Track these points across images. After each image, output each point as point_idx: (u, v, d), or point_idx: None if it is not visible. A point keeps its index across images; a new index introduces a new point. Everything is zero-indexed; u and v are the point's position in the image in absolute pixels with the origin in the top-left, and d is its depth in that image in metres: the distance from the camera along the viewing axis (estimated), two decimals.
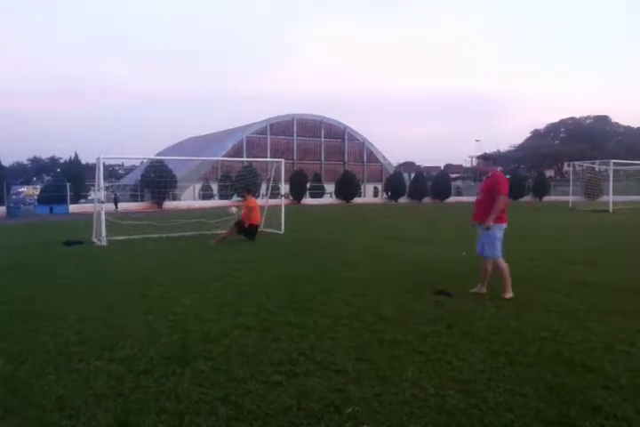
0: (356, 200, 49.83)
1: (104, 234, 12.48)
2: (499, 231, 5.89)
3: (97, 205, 13.85)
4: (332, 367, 3.63)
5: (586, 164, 34.66)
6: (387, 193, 54.42)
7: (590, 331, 4.45)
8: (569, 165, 36.31)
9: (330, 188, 51.78)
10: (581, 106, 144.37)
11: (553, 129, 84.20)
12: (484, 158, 6.46)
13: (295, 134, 61.70)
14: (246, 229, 12.65)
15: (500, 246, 5.92)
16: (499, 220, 5.84)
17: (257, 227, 13.00)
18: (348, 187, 49.20)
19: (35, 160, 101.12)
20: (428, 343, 4.16)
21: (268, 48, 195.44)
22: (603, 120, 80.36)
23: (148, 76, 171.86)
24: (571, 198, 32.28)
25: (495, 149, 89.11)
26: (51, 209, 32.85)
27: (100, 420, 2.87)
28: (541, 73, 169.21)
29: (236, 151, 56.81)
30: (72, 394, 3.21)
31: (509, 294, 5.82)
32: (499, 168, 6.35)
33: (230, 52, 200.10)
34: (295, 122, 61.68)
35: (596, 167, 34.60)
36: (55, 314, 5.27)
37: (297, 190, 46.19)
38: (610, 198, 26.98)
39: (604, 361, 3.68)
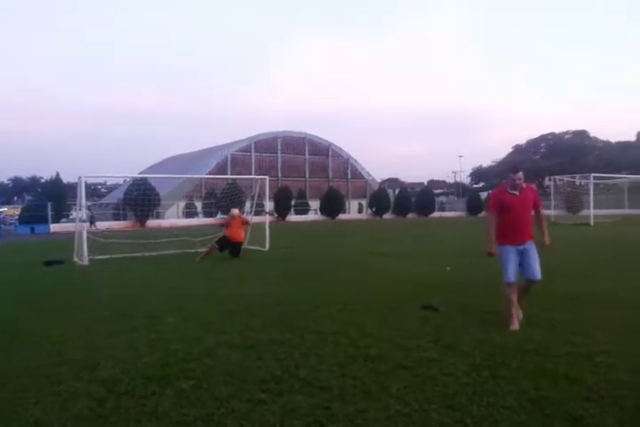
0: (341, 216, 50.00)
1: (85, 253, 12.34)
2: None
3: (78, 224, 13.73)
4: (317, 384, 3.61)
5: (566, 178, 35.16)
6: (371, 209, 54.67)
7: (573, 343, 4.48)
8: (550, 180, 36.78)
9: (314, 204, 51.91)
10: (561, 121, 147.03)
11: (534, 144, 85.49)
12: (517, 171, 5.23)
13: (279, 152, 61.97)
14: (231, 246, 12.66)
15: None
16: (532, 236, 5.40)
17: (241, 244, 13.00)
18: (332, 203, 49.40)
19: (15, 180, 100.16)
20: (413, 358, 4.15)
21: (252, 65, 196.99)
22: (581, 135, 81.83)
23: (131, 94, 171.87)
24: (552, 212, 32.63)
25: (477, 165, 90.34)
26: (32, 229, 32.47)
27: None
28: (522, 89, 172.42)
29: (221, 169, 56.80)
30: (51, 417, 3.15)
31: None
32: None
33: (214, 69, 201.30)
34: (279, 139, 62.00)
35: (577, 181, 35.14)
36: (36, 335, 5.18)
37: (281, 207, 46.21)
38: (591, 212, 27.35)
39: (585, 373, 3.71)
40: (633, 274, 8.70)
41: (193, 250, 14.24)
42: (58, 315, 6.20)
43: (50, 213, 34.41)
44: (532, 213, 5.35)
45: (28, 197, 68.46)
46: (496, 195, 5.44)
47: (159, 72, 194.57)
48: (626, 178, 41.31)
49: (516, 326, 5.05)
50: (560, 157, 73.32)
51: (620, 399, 3.22)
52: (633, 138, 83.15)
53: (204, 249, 13.45)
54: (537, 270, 5.23)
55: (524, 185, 5.25)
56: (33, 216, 34.11)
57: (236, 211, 13.55)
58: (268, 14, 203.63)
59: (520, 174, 5.17)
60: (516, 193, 5.22)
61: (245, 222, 13.48)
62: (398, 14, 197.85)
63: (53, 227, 33.65)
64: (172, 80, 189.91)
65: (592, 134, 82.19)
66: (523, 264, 5.25)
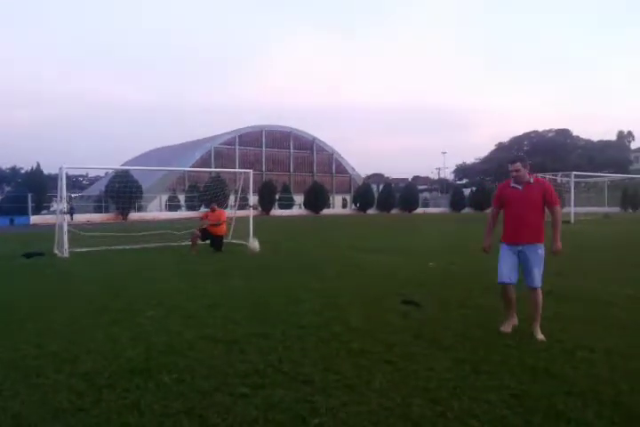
0: (325, 211, 50.03)
1: (66, 246, 12.18)
2: (543, 251, 4.87)
3: (59, 216, 13.54)
4: (300, 378, 3.60)
5: (548, 175, 35.52)
6: (355, 204, 54.81)
7: (553, 338, 4.54)
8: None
9: (299, 199, 51.87)
10: (544, 120, 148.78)
11: (517, 142, 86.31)
12: (522, 160, 4.82)
13: (264, 145, 61.70)
14: (212, 239, 12.65)
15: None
16: (544, 238, 4.87)
17: (222, 238, 12.98)
18: (316, 198, 49.43)
19: None
20: (396, 353, 4.17)
21: (237, 58, 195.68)
22: (564, 133, 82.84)
23: (114, 85, 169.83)
24: None
25: (461, 162, 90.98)
26: (11, 220, 31.97)
27: None
28: (505, 87, 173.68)
29: (204, 162, 56.42)
30: (30, 410, 3.10)
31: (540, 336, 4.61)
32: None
33: (199, 61, 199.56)
34: (264, 133, 61.72)
35: (559, 179, 35.53)
36: (13, 327, 5.10)
37: (266, 201, 46.11)
38: (571, 210, 27.70)
39: (565, 368, 3.75)
40: (613, 270, 8.84)
41: (175, 243, 14.14)
42: (37, 308, 6.11)
43: (30, 204, 33.92)
44: (543, 211, 4.81)
45: (7, 188, 67.32)
46: (499, 189, 5.09)
47: (144, 64, 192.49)
48: (606, 177, 41.93)
49: (506, 328, 4.82)
50: (543, 155, 74.10)
51: (600, 394, 3.27)
52: (614, 137, 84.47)
53: (187, 243, 13.37)
54: (533, 277, 4.75)
55: (533, 179, 4.77)
56: (12, 207, 33.59)
57: (214, 206, 13.38)
58: (255, 8, 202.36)
59: (517, 165, 4.70)
60: (519, 187, 4.77)
61: (218, 220, 12.84)
62: (385, 12, 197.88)
63: (33, 218, 33.20)
64: (157, 72, 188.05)
65: (574, 133, 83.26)
66: (523, 268, 4.85)
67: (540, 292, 4.79)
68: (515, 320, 4.91)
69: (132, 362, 3.97)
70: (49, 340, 4.62)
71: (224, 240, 13.12)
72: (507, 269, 4.82)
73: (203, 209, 38.38)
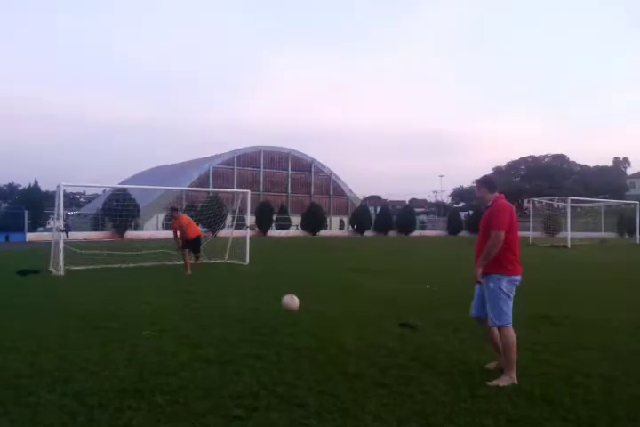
0: (322, 233, 49.97)
1: (61, 263, 12.13)
2: (505, 285, 4.14)
3: (55, 233, 13.52)
4: (294, 401, 3.57)
5: (545, 200, 35.75)
6: (352, 226, 54.79)
7: (550, 364, 4.52)
8: (529, 202, 37.32)
9: (296, 220, 51.85)
10: (540, 145, 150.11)
11: (513, 166, 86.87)
12: (482, 182, 4.43)
13: (262, 166, 61.93)
14: (191, 245, 12.56)
15: (508, 307, 4.16)
16: (504, 269, 4.16)
17: (199, 238, 12.90)
18: (314, 219, 49.39)
19: None
20: (391, 376, 4.14)
21: (237, 79, 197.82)
22: (560, 159, 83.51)
23: (113, 104, 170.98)
24: (531, 234, 33.10)
25: (458, 185, 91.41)
26: (7, 237, 31.81)
27: None
28: (503, 112, 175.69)
29: (202, 182, 56.51)
30: None
31: (505, 381, 3.95)
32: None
33: (197, 82, 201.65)
34: (262, 154, 62.01)
35: (555, 204, 35.75)
36: (6, 345, 5.04)
37: (263, 222, 46.05)
38: (568, 234, 27.78)
39: (562, 393, 3.73)
40: (610, 295, 8.83)
41: (171, 262, 14.09)
42: (30, 326, 6.05)
43: (26, 221, 33.82)
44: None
45: (4, 205, 67.26)
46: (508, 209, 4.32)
47: (144, 83, 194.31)
48: (602, 202, 42.15)
49: (490, 364, 4.43)
50: (539, 180, 74.57)
51: (596, 421, 3.24)
52: (610, 163, 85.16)
53: (182, 262, 13.36)
54: (488, 314, 4.20)
55: (491, 201, 4.33)
56: (8, 224, 33.44)
57: (175, 213, 13.03)
58: (253, 29, 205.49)
59: (481, 188, 4.39)
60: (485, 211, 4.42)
61: (188, 223, 12.70)
62: (384, 34, 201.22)
63: (29, 236, 33.05)
64: (157, 91, 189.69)
65: (570, 158, 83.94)
66: None
67: (504, 331, 4.12)
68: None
69: (125, 382, 3.93)
70: (42, 358, 4.58)
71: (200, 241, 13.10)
72: (474, 300, 4.45)
73: (201, 229, 38.35)
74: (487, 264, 4.16)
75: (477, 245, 4.36)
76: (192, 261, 12.72)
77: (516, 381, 3.95)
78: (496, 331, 4.23)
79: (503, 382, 3.93)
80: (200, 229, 14.10)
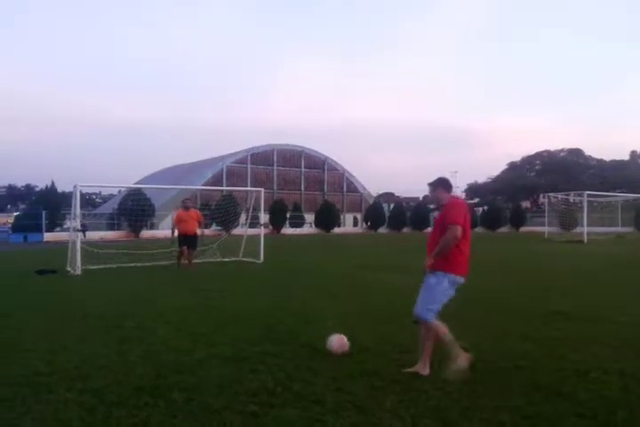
0: (336, 230, 49.97)
1: (79, 263, 12.28)
2: (445, 282, 4.20)
3: (72, 233, 13.68)
4: (311, 398, 3.58)
5: (560, 195, 35.40)
6: (366, 223, 54.71)
7: (565, 359, 4.49)
8: (544, 197, 36.99)
9: (310, 217, 51.86)
10: (556, 139, 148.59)
11: (529, 161, 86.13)
12: (438, 183, 4.51)
13: (275, 164, 62.04)
14: (187, 241, 12.58)
15: (435, 302, 4.20)
16: (450, 267, 4.19)
17: (196, 236, 12.88)
18: (327, 217, 49.38)
19: (10, 188, 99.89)
20: (406, 373, 4.14)
21: (251, 79, 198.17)
22: (576, 153, 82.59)
23: (127, 104, 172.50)
24: (546, 229, 32.81)
25: (473, 181, 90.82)
26: (25, 237, 32.25)
27: None
28: (518, 107, 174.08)
29: (216, 180, 56.78)
30: (40, 426, 3.11)
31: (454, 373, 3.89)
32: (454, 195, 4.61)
33: (211, 80, 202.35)
34: (275, 152, 62.11)
35: (571, 199, 35.40)
36: (26, 344, 5.13)
37: (277, 220, 46.15)
38: (584, 229, 27.48)
39: (578, 389, 3.70)
40: (627, 291, 8.73)
41: (186, 261, 14.18)
42: (48, 325, 6.15)
43: (44, 221, 34.25)
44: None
45: (22, 206, 68.16)
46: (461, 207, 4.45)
47: (158, 82, 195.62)
48: (619, 196, 41.62)
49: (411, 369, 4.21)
50: (555, 175, 73.88)
51: (614, 417, 3.21)
52: (627, 157, 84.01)
53: (198, 261, 13.46)
54: (418, 304, 4.30)
55: (446, 200, 4.39)
56: (26, 225, 33.92)
57: (189, 203, 13.26)
58: (268, 29, 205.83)
59: (438, 188, 4.48)
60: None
61: (198, 219, 12.97)
62: (397, 30, 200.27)
63: (47, 236, 33.45)
64: (171, 90, 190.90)
65: (587, 153, 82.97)
66: None
67: (431, 325, 4.13)
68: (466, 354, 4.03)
69: (142, 380, 3.98)
70: (60, 357, 4.65)
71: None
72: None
73: (215, 227, 38.55)
74: (436, 260, 4.18)
75: (428, 244, 4.39)
76: (184, 261, 12.83)
77: (465, 366, 3.89)
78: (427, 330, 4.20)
79: (452, 374, 3.87)
80: (215, 229, 14.19)
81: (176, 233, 12.93)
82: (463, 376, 3.84)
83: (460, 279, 4.25)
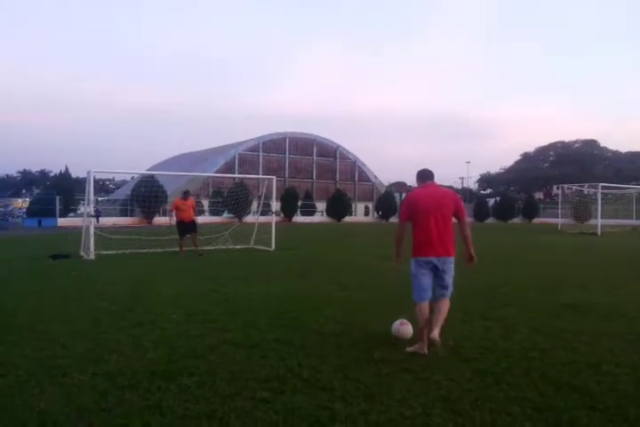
0: (347, 219, 49.97)
1: (92, 248, 12.39)
2: (412, 265, 4.71)
3: (86, 218, 13.80)
4: (319, 385, 3.61)
5: (574, 187, 35.02)
6: (377, 212, 54.64)
7: (577, 352, 4.46)
8: (558, 188, 36.65)
9: (321, 206, 51.90)
10: (570, 130, 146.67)
11: (542, 152, 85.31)
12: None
13: (287, 152, 61.98)
14: (188, 227, 13.10)
15: (416, 286, 4.64)
16: (412, 251, 4.66)
17: (194, 222, 13.34)
18: (339, 205, 49.39)
19: (25, 173, 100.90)
20: (416, 362, 4.15)
21: (262, 66, 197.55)
22: (591, 144, 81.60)
23: (141, 91, 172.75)
24: (559, 221, 32.53)
25: (485, 171, 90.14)
26: (39, 222, 32.64)
27: None
28: (533, 97, 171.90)
29: (228, 168, 56.89)
30: (54, 408, 3.17)
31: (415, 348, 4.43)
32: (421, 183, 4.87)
33: (224, 68, 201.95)
34: (287, 140, 62.03)
35: (585, 190, 35.00)
36: (40, 327, 5.20)
37: (288, 208, 46.25)
38: (598, 221, 27.20)
39: (590, 382, 3.69)
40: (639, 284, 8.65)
41: (199, 248, 14.27)
42: (62, 309, 6.23)
43: (58, 206, 34.58)
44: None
45: (36, 191, 68.79)
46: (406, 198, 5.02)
47: (172, 70, 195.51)
48: (634, 188, 41.10)
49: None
50: (569, 166, 73.13)
51: (626, 411, 3.20)
52: None
53: (211, 247, 13.52)
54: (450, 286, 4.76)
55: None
56: (41, 209, 34.30)
57: (189, 194, 13.82)
58: (283, 16, 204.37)
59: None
60: None
61: (194, 207, 13.60)
62: (411, 18, 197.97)
63: (61, 221, 33.82)
64: (185, 78, 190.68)
65: (602, 144, 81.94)
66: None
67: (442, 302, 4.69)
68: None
69: (155, 364, 4.03)
70: (74, 340, 4.71)
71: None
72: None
73: (226, 214, 38.65)
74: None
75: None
76: (186, 248, 13.13)
77: (424, 351, 4.35)
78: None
79: (413, 348, 4.42)
80: (227, 216, 14.41)
81: (174, 220, 13.26)
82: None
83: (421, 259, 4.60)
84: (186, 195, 13.70)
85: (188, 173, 41.68)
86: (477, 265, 4.96)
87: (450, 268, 4.62)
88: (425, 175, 4.86)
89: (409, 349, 4.45)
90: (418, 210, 4.59)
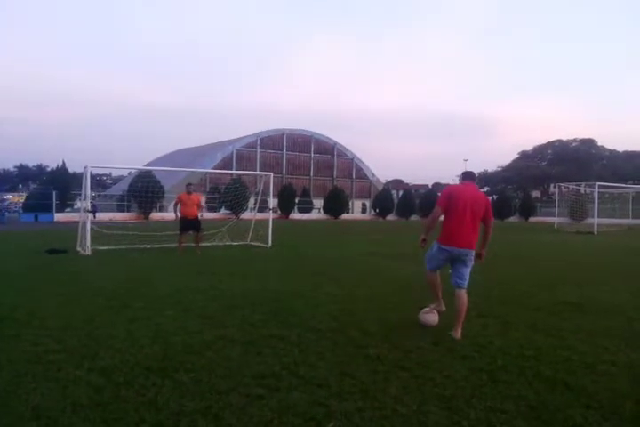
0: (344, 216, 49.96)
1: (89, 243, 12.37)
2: (434, 246, 5.39)
3: (82, 214, 13.76)
4: (315, 382, 3.61)
5: (571, 185, 35.06)
6: (375, 210, 54.62)
7: (573, 350, 4.47)
8: (555, 187, 36.68)
9: (318, 203, 51.84)
10: (568, 129, 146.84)
11: (540, 150, 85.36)
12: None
13: (285, 149, 61.89)
14: (191, 224, 12.77)
15: (429, 260, 5.49)
16: (439, 237, 5.26)
17: (198, 219, 12.98)
18: (336, 202, 49.32)
19: (21, 167, 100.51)
20: (412, 359, 4.15)
21: (260, 62, 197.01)
22: (589, 143, 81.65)
23: (139, 87, 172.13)
24: (556, 220, 32.60)
25: (482, 169, 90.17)
26: (36, 217, 32.53)
27: None
28: (530, 95, 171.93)
29: (226, 164, 56.78)
30: (49, 403, 3.16)
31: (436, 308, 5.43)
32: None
33: (222, 65, 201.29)
34: (285, 136, 61.92)
35: (582, 189, 35.03)
36: (36, 322, 5.19)
37: (285, 205, 46.20)
38: (595, 220, 27.25)
39: (586, 381, 3.69)
40: (636, 283, 8.67)
41: (185, 244, 14.23)
42: (57, 304, 6.21)
43: (54, 201, 34.47)
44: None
45: (33, 186, 68.59)
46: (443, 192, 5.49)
47: (170, 66, 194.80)
48: (631, 188, 41.19)
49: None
50: (566, 165, 73.23)
51: (621, 409, 3.21)
52: None
53: (207, 244, 13.50)
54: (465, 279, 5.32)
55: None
56: (37, 204, 34.18)
57: (192, 187, 13.27)
58: (280, 14, 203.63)
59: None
60: None
61: (198, 203, 13.15)
62: (409, 16, 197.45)
63: (57, 216, 33.71)
64: (183, 74, 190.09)
65: (599, 143, 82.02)
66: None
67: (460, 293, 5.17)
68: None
69: (150, 360, 4.02)
70: (69, 335, 4.70)
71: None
72: None
73: (224, 210, 38.58)
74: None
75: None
76: (184, 244, 12.94)
77: (441, 308, 5.43)
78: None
79: (434, 309, 5.36)
80: (224, 212, 14.21)
81: (178, 215, 12.95)
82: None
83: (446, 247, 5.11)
84: (189, 188, 13.09)
85: (186, 169, 41.61)
86: (475, 263, 5.07)
87: (470, 259, 5.04)
88: (468, 176, 5.45)
89: (427, 308, 5.33)
90: (456, 203, 4.97)
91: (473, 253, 5.04)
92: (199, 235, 13.03)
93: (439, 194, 5.39)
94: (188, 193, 12.98)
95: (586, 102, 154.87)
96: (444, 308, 5.39)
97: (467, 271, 5.09)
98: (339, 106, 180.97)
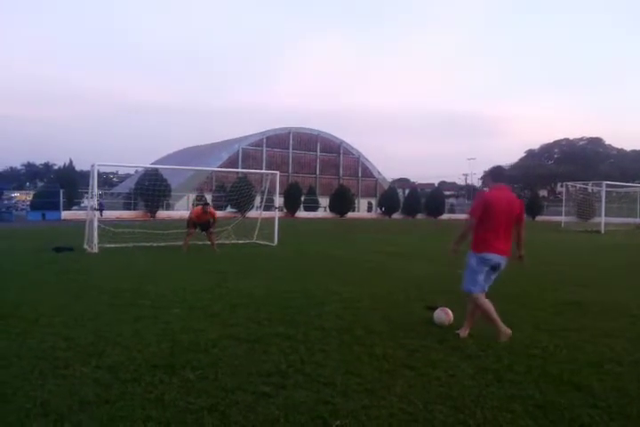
0: (350, 214, 49.93)
1: (96, 241, 12.42)
2: (472, 260, 4.91)
3: (89, 212, 13.82)
4: (321, 380, 3.61)
5: (579, 184, 34.90)
6: (380, 208, 54.59)
7: (579, 350, 4.46)
8: (562, 186, 36.50)
9: (324, 201, 51.86)
10: (576, 127, 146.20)
11: (547, 149, 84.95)
12: (488, 172, 5.56)
13: (291, 147, 61.97)
14: (201, 225, 12.94)
15: (473, 279, 4.90)
16: (475, 246, 4.89)
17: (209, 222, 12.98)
18: (342, 201, 49.33)
19: (29, 166, 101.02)
20: (418, 358, 4.15)
21: (267, 61, 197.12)
22: (596, 142, 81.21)
23: (146, 86, 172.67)
24: (563, 219, 32.46)
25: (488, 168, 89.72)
26: (43, 215, 32.70)
27: None
28: (537, 94, 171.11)
29: (232, 162, 56.90)
30: (57, 400, 3.18)
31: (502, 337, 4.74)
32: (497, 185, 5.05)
33: (228, 63, 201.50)
34: (291, 135, 61.99)
35: (589, 188, 34.88)
36: (43, 320, 5.22)
37: (291, 203, 46.25)
38: (602, 220, 27.12)
39: (592, 380, 3.68)
40: None
41: (201, 242, 14.28)
42: (65, 302, 6.24)
43: (61, 199, 34.63)
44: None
45: (40, 184, 68.91)
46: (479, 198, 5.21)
47: (177, 64, 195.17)
48: (639, 187, 40.92)
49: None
50: (573, 164, 72.84)
51: (627, 409, 3.19)
52: None
53: (208, 243, 13.53)
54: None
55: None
56: (45, 202, 34.36)
57: (207, 207, 13.08)
58: (286, 12, 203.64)
59: (486, 178, 5.52)
60: None
61: (213, 215, 13.03)
62: (416, 15, 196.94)
63: (64, 214, 33.87)
64: (189, 73, 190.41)
65: (607, 142, 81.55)
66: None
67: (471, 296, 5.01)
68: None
69: (157, 357, 4.04)
70: (76, 333, 4.73)
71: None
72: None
73: (229, 209, 38.67)
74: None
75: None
76: (189, 242, 13.08)
77: (508, 332, 4.76)
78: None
79: (501, 337, 4.71)
80: (230, 211, 14.18)
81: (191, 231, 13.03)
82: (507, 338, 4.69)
83: (487, 256, 4.83)
84: (206, 208, 12.95)
85: (192, 168, 41.76)
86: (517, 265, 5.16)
87: (504, 266, 4.94)
88: (499, 175, 5.17)
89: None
90: (493, 211, 4.79)
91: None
92: (211, 233, 13.00)
93: (473, 201, 5.13)
94: (205, 212, 12.87)
95: (593, 101, 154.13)
96: (509, 331, 4.79)
97: (494, 277, 5.04)
98: (344, 104, 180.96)
